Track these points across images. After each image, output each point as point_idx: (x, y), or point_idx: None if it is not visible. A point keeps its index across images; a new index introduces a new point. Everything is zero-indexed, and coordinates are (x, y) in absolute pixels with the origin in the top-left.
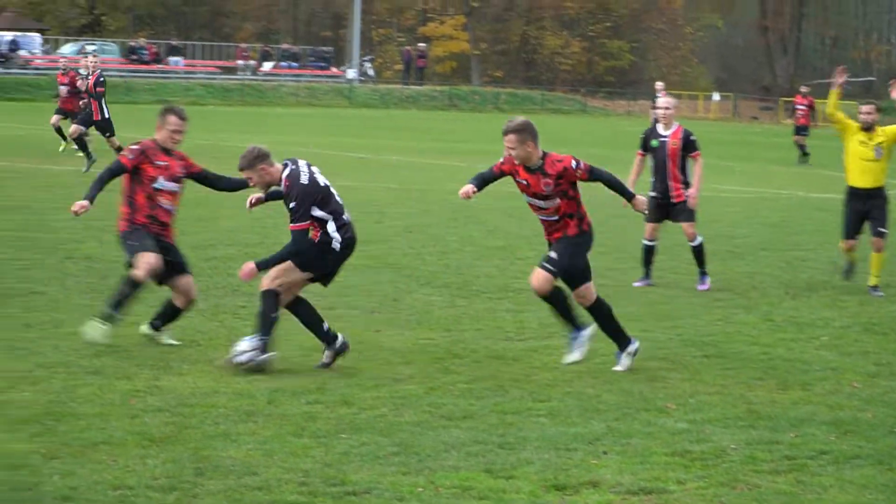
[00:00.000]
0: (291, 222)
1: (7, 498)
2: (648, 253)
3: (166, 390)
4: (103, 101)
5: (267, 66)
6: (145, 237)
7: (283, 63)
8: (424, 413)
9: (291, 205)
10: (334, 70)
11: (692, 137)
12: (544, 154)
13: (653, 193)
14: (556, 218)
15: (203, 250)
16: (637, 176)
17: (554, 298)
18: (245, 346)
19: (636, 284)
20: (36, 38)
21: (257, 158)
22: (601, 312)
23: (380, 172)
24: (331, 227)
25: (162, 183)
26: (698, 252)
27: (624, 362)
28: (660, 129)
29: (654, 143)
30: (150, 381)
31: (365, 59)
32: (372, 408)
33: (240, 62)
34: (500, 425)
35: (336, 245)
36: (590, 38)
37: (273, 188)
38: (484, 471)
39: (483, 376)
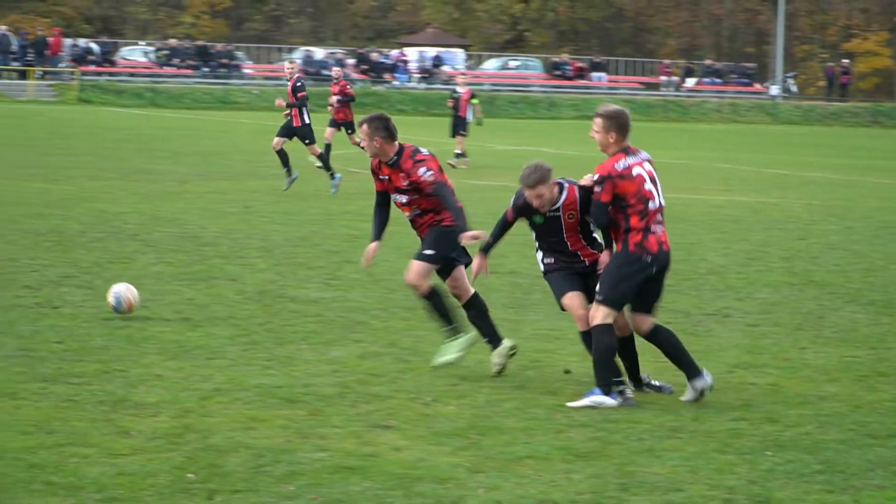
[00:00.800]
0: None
1: None
2: None
3: (590, 406)
4: (304, 108)
5: (690, 82)
6: None
7: (705, 79)
8: (849, 431)
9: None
10: (757, 86)
11: None
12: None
13: None
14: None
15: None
16: None
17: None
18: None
19: None
20: (459, 53)
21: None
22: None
23: (801, 189)
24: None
25: (394, 196)
26: None
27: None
28: None
29: None
30: (574, 397)
31: (787, 75)
32: (797, 425)
33: (663, 78)
34: None
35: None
36: None
37: None
38: None
39: None
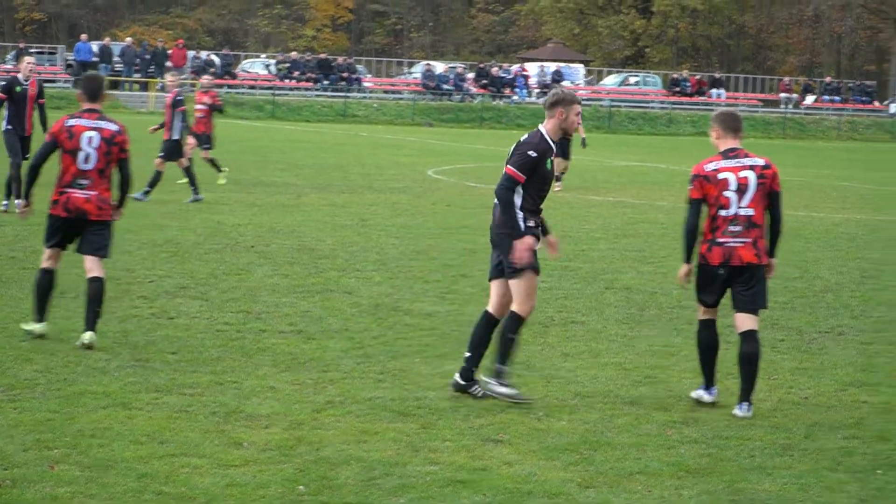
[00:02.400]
0: None
1: None
2: None
3: (702, 422)
4: (181, 122)
5: (809, 99)
6: None
7: (824, 97)
8: None
9: None
10: (876, 104)
11: None
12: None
13: None
14: None
15: None
16: None
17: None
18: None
19: None
20: (579, 69)
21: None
22: None
23: None
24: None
25: None
26: None
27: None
28: None
29: None
30: (686, 413)
31: None
32: None
33: (782, 95)
34: None
35: None
36: None
37: None
38: None
39: None
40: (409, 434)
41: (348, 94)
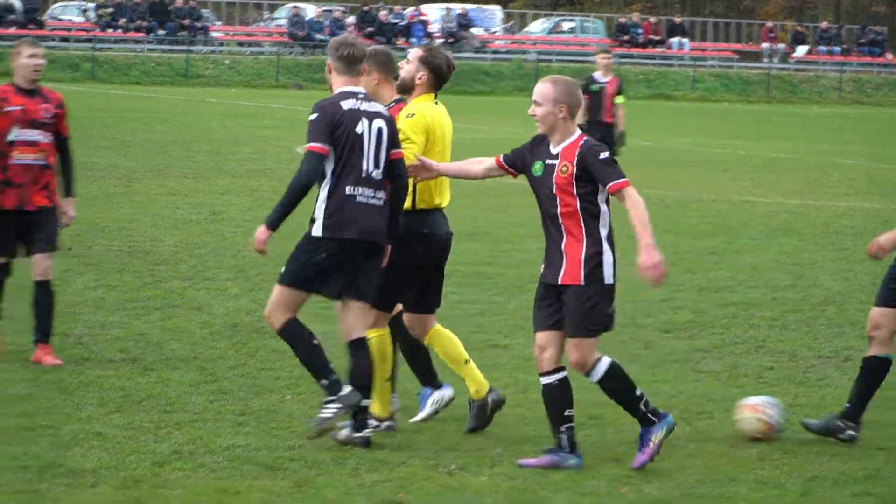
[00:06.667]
0: None
1: None
2: None
3: (664, 474)
4: None
5: (800, 51)
6: None
7: (820, 47)
8: None
9: None
10: (889, 56)
11: None
12: None
13: None
14: None
15: (716, 293)
16: None
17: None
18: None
19: None
20: (495, 12)
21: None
22: None
23: None
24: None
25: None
26: None
27: None
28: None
29: None
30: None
31: None
32: None
33: (765, 46)
34: None
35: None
36: None
37: None
38: None
39: None
40: (281, 494)
41: (191, 49)
